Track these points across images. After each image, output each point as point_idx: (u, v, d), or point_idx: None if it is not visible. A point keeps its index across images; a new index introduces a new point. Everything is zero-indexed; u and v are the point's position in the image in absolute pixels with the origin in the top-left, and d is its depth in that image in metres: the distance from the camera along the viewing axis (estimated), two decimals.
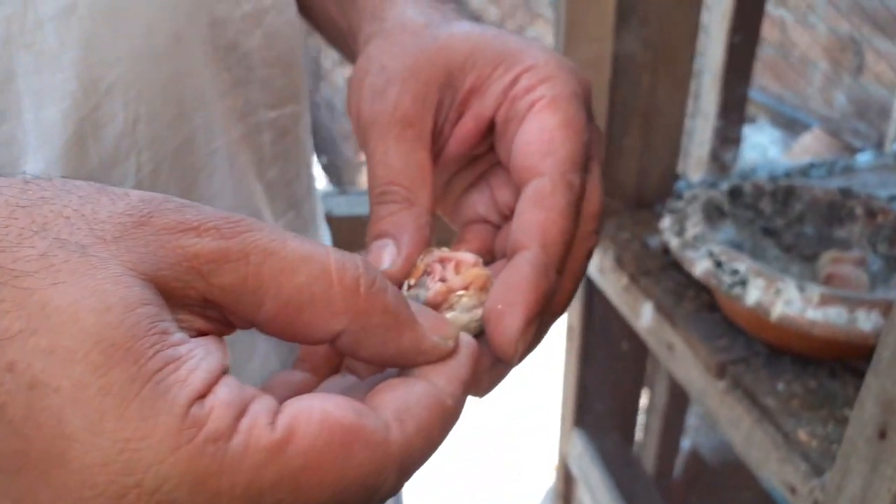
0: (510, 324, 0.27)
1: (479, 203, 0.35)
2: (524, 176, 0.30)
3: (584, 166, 0.31)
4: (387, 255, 0.29)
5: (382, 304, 0.23)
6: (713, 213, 0.90)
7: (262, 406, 0.20)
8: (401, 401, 0.22)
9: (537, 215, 0.29)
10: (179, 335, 0.20)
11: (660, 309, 0.93)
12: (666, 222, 0.87)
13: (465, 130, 0.33)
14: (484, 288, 0.29)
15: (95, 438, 0.17)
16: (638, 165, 1.04)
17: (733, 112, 1.13)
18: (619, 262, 1.02)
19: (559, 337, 1.30)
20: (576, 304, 1.18)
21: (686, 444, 1.53)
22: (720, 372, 0.83)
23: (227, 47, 0.37)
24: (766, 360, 0.83)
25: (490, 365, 0.29)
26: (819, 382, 0.81)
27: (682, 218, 0.86)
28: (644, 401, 1.36)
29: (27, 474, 0.18)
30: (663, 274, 0.97)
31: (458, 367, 0.25)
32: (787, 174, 1.11)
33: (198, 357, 0.19)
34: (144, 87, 0.33)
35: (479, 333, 0.29)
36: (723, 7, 1.04)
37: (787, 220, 0.93)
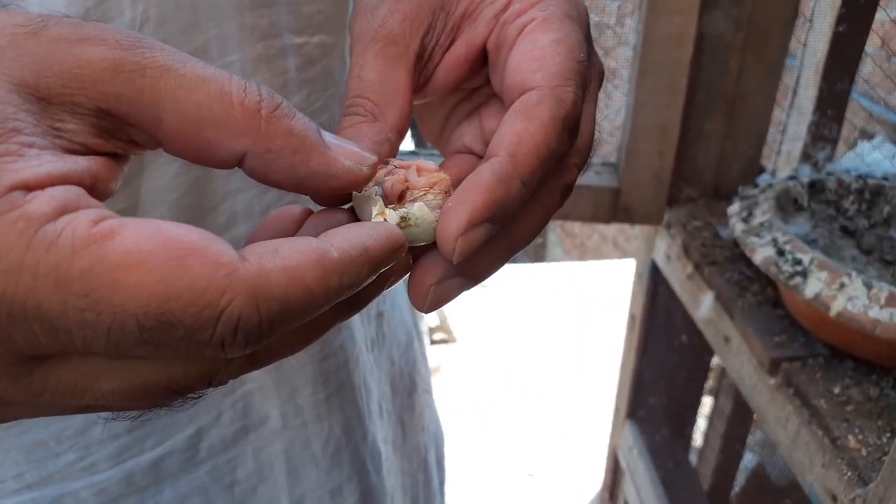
0: (451, 220, 0.25)
1: (467, 133, 0.34)
2: (513, 94, 0.29)
3: (580, 85, 0.29)
4: None
5: (286, 126, 0.23)
6: (788, 205, 0.85)
7: (95, 212, 0.20)
8: (270, 245, 0.21)
9: (515, 125, 0.27)
10: (35, 140, 0.20)
11: (720, 299, 0.89)
12: (735, 208, 0.83)
13: (454, 57, 0.32)
14: (449, 192, 0.28)
15: None
16: (718, 152, 1.00)
17: (832, 108, 1.07)
18: (686, 250, 0.98)
19: (621, 327, 1.27)
20: (639, 293, 1.16)
21: (749, 459, 1.46)
22: (773, 368, 0.79)
23: None
24: (826, 362, 0.78)
25: (439, 278, 0.28)
26: (881, 391, 0.75)
27: (751, 205, 0.82)
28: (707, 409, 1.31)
29: None
30: (730, 266, 0.93)
31: (362, 234, 0.23)
32: (885, 178, 1.04)
33: (45, 160, 0.20)
34: None
35: None
36: None
37: (871, 222, 0.88)
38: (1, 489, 0.41)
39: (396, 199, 0.28)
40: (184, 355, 0.21)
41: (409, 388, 0.63)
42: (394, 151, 0.30)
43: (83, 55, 0.21)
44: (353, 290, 0.23)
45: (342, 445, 0.54)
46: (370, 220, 0.27)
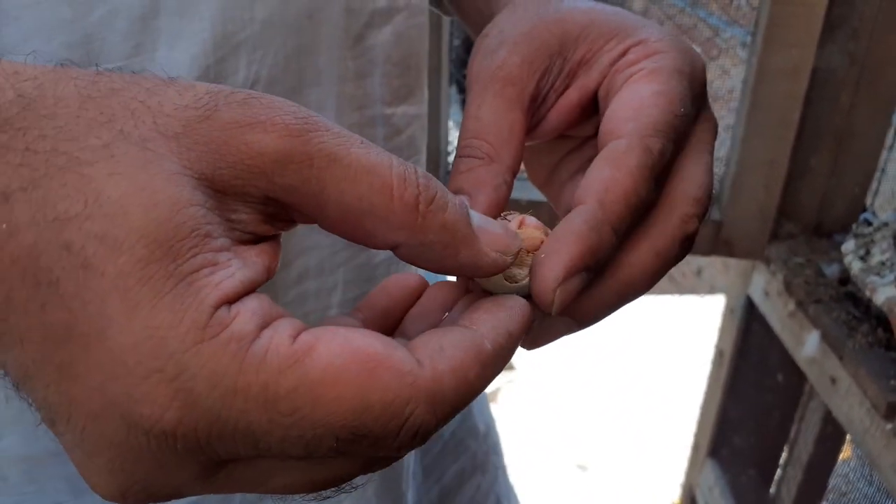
0: (547, 271, 0.26)
1: None
2: (604, 141, 0.29)
3: (672, 137, 0.29)
4: None
5: (440, 221, 0.23)
6: None
7: (287, 323, 0.21)
8: (435, 343, 0.22)
9: (602, 173, 0.28)
10: (222, 241, 0.20)
11: (827, 339, 0.87)
12: (850, 245, 0.81)
13: (567, 101, 0.32)
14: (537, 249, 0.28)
15: (130, 322, 0.19)
16: (823, 189, 0.98)
17: None
18: (788, 288, 0.96)
19: (705, 364, 1.24)
20: (730, 329, 1.13)
21: None
22: (889, 412, 0.76)
23: (356, 36, 0.38)
24: None
25: (539, 319, 0.28)
26: None
27: (868, 243, 0.80)
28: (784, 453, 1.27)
29: (72, 345, 0.19)
30: (836, 305, 0.91)
31: (505, 319, 0.24)
32: None
33: (234, 267, 0.20)
34: (269, 53, 0.34)
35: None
36: None
37: None
38: None
39: (528, 252, 0.28)
40: (364, 457, 0.22)
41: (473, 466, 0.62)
42: (509, 193, 0.30)
43: (255, 144, 0.21)
44: (500, 372, 0.24)
45: None
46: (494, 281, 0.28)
